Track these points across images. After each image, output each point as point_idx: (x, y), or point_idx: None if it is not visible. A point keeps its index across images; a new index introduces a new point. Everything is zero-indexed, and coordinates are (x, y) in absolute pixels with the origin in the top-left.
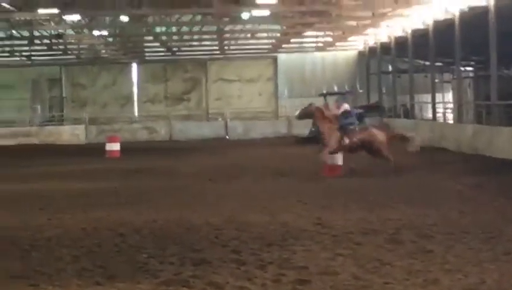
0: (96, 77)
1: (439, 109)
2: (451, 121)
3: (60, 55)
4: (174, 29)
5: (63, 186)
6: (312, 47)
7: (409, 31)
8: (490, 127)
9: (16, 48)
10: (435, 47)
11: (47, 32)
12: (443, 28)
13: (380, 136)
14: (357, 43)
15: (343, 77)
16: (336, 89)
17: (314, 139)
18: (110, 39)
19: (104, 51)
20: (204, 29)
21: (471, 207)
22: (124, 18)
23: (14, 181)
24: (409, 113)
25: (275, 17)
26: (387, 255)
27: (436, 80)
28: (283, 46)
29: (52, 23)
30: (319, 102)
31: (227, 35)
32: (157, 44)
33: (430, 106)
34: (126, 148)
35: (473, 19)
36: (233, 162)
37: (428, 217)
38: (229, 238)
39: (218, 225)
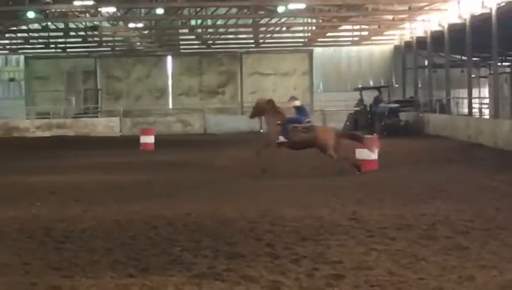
0: (131, 69)
1: (475, 104)
2: (487, 117)
3: (95, 47)
4: (209, 22)
5: (98, 178)
6: (348, 41)
7: (446, 26)
8: None
9: (51, 40)
10: (472, 42)
11: (82, 24)
12: (480, 22)
13: (324, 136)
14: (393, 38)
15: (378, 71)
16: (371, 83)
17: None
18: (146, 32)
19: (139, 44)
20: (240, 22)
21: (507, 203)
22: (160, 10)
23: (49, 173)
24: (444, 108)
25: (311, 11)
26: (422, 250)
27: (473, 75)
28: (318, 39)
29: (88, 15)
30: (353, 96)
31: (263, 28)
32: (192, 37)
33: (466, 101)
34: (160, 141)
35: (511, 13)
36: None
37: (463, 212)
38: (263, 232)
39: (252, 218)
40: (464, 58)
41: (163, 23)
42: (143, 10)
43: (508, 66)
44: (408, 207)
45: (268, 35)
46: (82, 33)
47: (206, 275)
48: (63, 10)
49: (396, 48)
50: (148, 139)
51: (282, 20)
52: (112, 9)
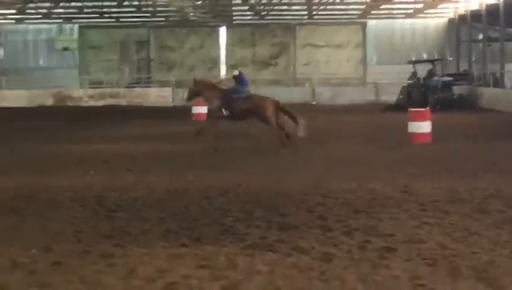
0: (184, 39)
1: None
2: None
3: (149, 17)
4: None
5: (150, 147)
6: (402, 13)
7: None
8: None
9: (105, 10)
10: None
11: None
12: None
13: (263, 104)
14: (448, 11)
15: (432, 44)
16: (425, 56)
17: (402, 106)
18: (199, 2)
19: (192, 14)
20: None
21: None
22: None
23: (102, 142)
24: (498, 82)
25: None
26: (474, 224)
27: None
28: (372, 12)
29: None
30: (407, 70)
31: (316, 0)
32: (245, 8)
33: None
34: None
35: None
36: (319, 128)
37: None
38: (315, 204)
39: (304, 190)
40: None
41: None
42: None
43: None
44: (461, 181)
45: (321, 7)
46: (136, 3)
47: (258, 245)
48: None
49: (451, 21)
50: (201, 110)
51: None
52: None
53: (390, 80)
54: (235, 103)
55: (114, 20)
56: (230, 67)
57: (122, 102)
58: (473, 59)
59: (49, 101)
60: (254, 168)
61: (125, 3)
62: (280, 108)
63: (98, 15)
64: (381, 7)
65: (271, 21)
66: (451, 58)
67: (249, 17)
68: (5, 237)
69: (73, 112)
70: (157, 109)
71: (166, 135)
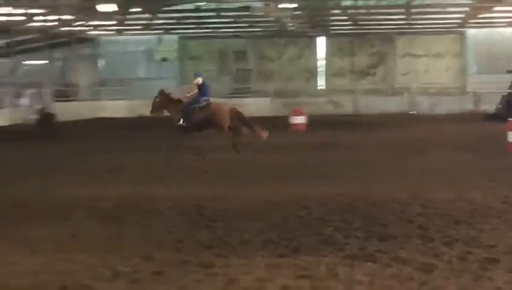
0: (282, 50)
1: None
2: None
3: (247, 27)
4: (361, 2)
5: (249, 157)
6: (502, 22)
7: None
8: None
9: (203, 20)
10: None
11: (234, 5)
12: None
13: (219, 113)
14: None
15: None
16: None
17: (501, 115)
18: (297, 12)
19: (290, 24)
20: (392, 3)
21: None
22: None
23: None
24: None
25: None
26: None
27: None
28: (472, 21)
29: None
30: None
31: (415, 10)
32: (344, 17)
33: None
34: (311, 121)
35: None
36: (418, 138)
37: None
38: (415, 214)
39: (403, 200)
40: None
41: (315, 3)
42: None
43: None
44: None
45: (420, 17)
46: (234, 13)
47: (357, 256)
48: None
49: None
50: (299, 120)
51: (435, 1)
52: None
53: (490, 90)
54: (194, 114)
55: (212, 30)
56: (193, 75)
57: None
58: None
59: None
60: (352, 178)
61: (223, 13)
62: (239, 117)
63: (197, 26)
64: (481, 16)
65: (369, 31)
66: None
67: (347, 26)
68: (106, 246)
69: (172, 122)
70: (255, 119)
71: (265, 145)
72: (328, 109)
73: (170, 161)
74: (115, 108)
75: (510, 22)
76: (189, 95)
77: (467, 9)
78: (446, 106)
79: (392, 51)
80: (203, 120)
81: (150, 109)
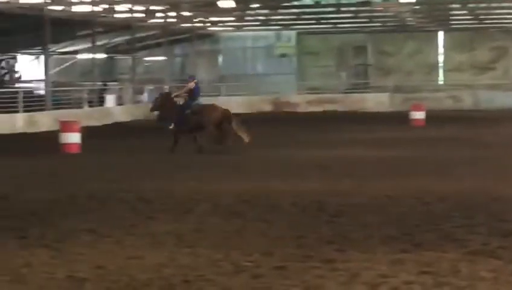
0: (401, 44)
1: None
2: None
3: (366, 23)
4: None
5: (369, 153)
6: None
7: None
8: None
9: (322, 16)
10: None
11: (354, 0)
12: None
13: (212, 113)
14: None
15: None
16: None
17: None
18: (417, 7)
19: (410, 19)
20: None
21: None
22: None
23: (320, 147)
24: None
25: None
26: None
27: None
28: None
29: None
30: None
31: None
32: (464, 12)
33: None
34: (431, 116)
35: None
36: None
37: None
38: None
39: None
40: None
41: None
42: None
43: None
44: None
45: None
46: (354, 8)
47: (479, 252)
48: None
49: None
50: (419, 115)
51: None
52: None
53: None
54: (187, 119)
55: (331, 26)
56: (188, 77)
57: (340, 108)
58: None
59: (267, 107)
60: (472, 173)
61: (343, 9)
62: (228, 118)
63: (315, 21)
64: None
65: (490, 25)
66: None
67: (467, 21)
68: (228, 240)
69: (290, 117)
70: (374, 114)
71: (385, 141)
72: (447, 104)
73: (288, 156)
74: (233, 103)
75: None
76: (177, 93)
77: None
78: None
79: None
80: (195, 123)
81: (151, 107)
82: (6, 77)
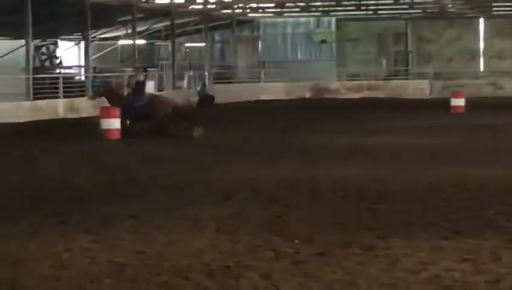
0: (441, 31)
1: None
2: None
3: (406, 9)
4: None
5: (410, 140)
6: None
7: None
8: None
9: (362, 2)
10: None
11: None
12: None
13: (157, 102)
14: None
15: None
16: None
17: None
18: None
19: (450, 6)
20: None
21: None
22: None
23: (361, 134)
24: None
25: None
26: None
27: None
28: None
29: None
30: None
31: None
32: None
33: None
34: (471, 103)
35: None
36: None
37: None
38: None
39: None
40: None
41: None
42: None
43: None
44: None
45: None
46: None
47: None
48: None
49: None
50: (459, 102)
51: None
52: None
53: None
54: (138, 111)
55: (372, 12)
56: (139, 69)
57: (380, 94)
58: None
59: (307, 94)
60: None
61: None
62: (177, 111)
63: (355, 7)
64: None
65: None
66: None
67: (509, 8)
68: (269, 226)
69: (331, 104)
70: (414, 101)
71: (425, 128)
72: (488, 91)
73: (330, 143)
74: (273, 90)
75: None
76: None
77: None
78: None
79: None
80: (145, 113)
81: (92, 94)
82: (47, 63)
